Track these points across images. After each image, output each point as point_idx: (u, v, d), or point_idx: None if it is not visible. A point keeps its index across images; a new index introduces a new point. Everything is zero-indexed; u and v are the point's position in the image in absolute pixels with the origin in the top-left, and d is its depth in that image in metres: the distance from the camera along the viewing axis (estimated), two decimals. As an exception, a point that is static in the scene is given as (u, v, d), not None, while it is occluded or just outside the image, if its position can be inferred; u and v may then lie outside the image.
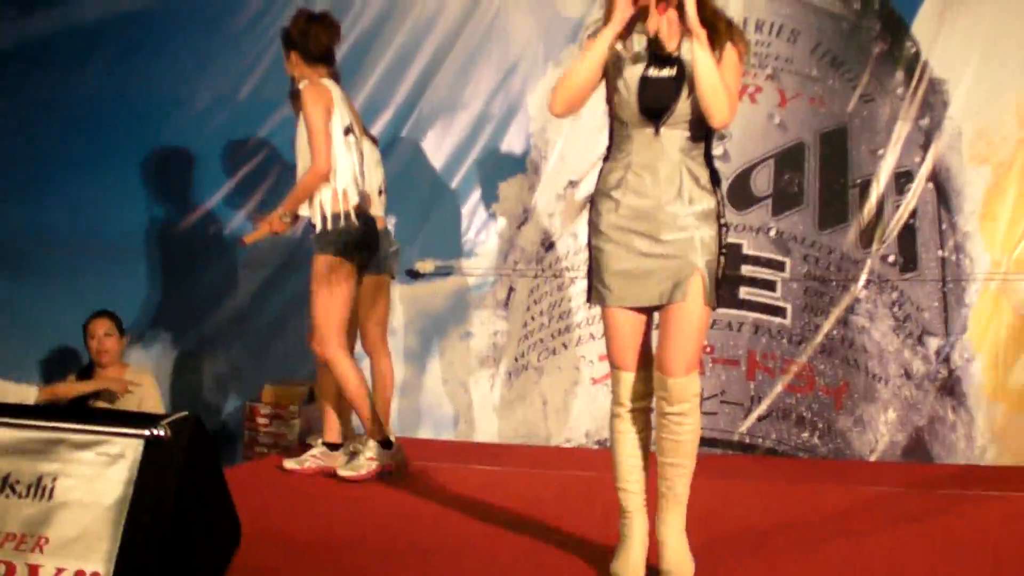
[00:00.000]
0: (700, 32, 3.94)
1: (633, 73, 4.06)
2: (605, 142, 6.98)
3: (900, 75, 7.07)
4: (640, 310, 4.14)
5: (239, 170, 7.77)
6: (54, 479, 3.74)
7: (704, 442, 6.94)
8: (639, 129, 4.07)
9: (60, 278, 7.76)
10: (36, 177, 7.94)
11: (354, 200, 5.88)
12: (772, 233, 7.13)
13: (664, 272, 4.07)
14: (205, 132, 7.80)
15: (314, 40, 5.93)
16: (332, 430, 6.23)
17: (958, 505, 5.66)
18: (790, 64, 7.18)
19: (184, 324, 7.77)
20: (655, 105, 4.04)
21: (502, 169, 7.51)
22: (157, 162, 7.85)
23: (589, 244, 4.20)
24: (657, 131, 4.05)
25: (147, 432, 3.75)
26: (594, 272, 4.18)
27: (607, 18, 4.10)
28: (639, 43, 4.09)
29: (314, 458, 6.15)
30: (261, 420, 7.02)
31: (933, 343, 6.92)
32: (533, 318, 7.36)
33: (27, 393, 6.47)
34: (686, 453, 4.14)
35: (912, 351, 6.96)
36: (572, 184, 7.36)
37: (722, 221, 4.13)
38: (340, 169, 5.87)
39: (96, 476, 3.72)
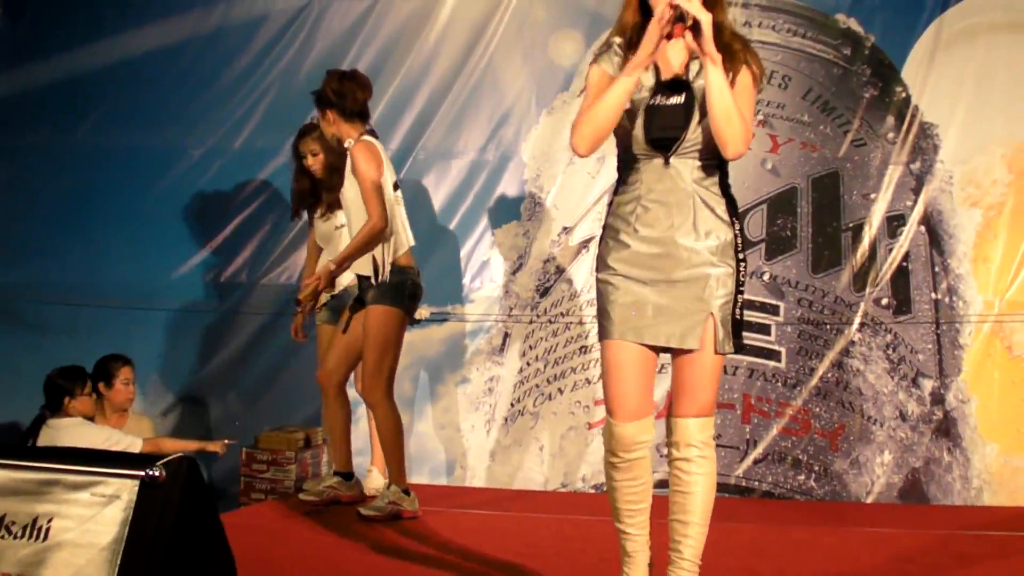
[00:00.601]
0: (717, 57, 3.75)
1: (639, 102, 3.88)
2: (599, 188, 7.21)
3: (891, 120, 7.11)
4: (646, 349, 3.91)
5: (234, 218, 7.77)
6: (49, 520, 3.72)
7: (700, 485, 6.97)
8: (648, 160, 3.89)
9: (61, 331, 7.76)
10: (33, 233, 7.95)
11: (405, 252, 6.10)
12: (766, 277, 7.14)
13: (674, 313, 3.86)
14: (200, 182, 7.82)
15: (351, 97, 6.08)
16: (343, 460, 6.41)
17: (955, 546, 5.64)
18: (782, 109, 7.21)
19: (180, 371, 7.75)
20: (664, 135, 3.85)
21: (497, 216, 7.51)
22: (152, 213, 7.84)
23: (597, 280, 4.00)
24: (667, 161, 3.87)
25: (142, 473, 3.74)
26: (600, 307, 3.97)
27: (625, 39, 3.93)
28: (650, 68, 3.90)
29: (331, 488, 6.34)
30: (258, 466, 6.99)
31: (928, 385, 6.92)
32: (529, 363, 7.34)
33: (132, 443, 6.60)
34: (694, 509, 3.89)
35: (907, 393, 6.95)
36: (566, 230, 7.37)
37: (740, 256, 3.93)
38: (395, 224, 6.05)
39: (91, 517, 3.70)
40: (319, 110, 6.18)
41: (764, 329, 7.12)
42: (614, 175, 7.10)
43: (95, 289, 7.77)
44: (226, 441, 7.00)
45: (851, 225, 7.10)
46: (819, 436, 7.02)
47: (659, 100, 3.87)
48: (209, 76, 7.82)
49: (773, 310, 7.12)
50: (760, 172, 7.20)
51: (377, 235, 5.93)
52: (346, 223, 6.23)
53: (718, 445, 7.05)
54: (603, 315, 3.95)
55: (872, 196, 7.09)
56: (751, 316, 7.10)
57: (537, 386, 7.29)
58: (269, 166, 7.68)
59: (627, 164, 3.97)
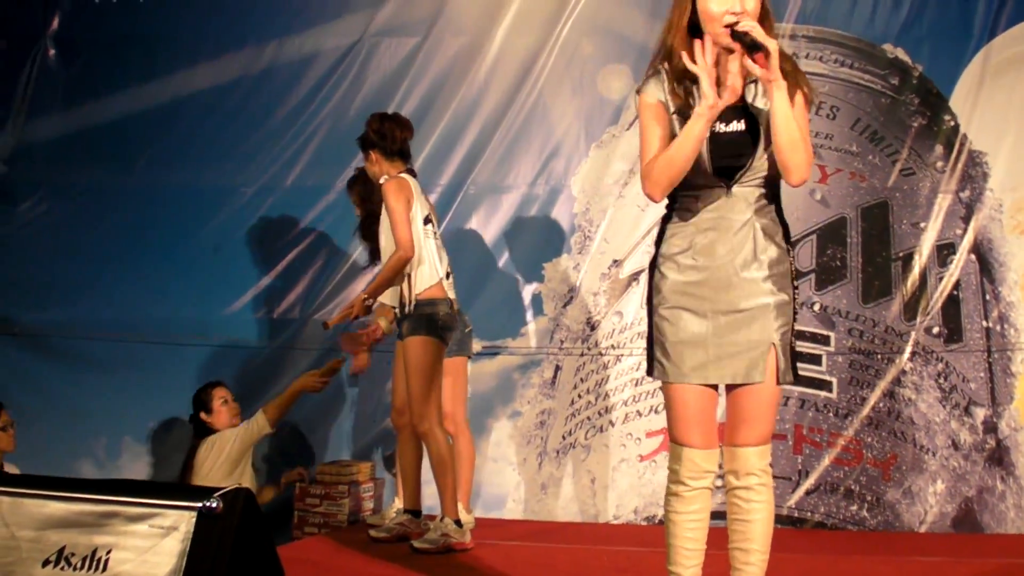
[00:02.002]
0: (782, 83, 3.68)
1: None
2: (649, 221, 7.24)
3: (939, 149, 7.10)
4: (708, 387, 3.88)
5: (286, 255, 7.85)
6: (108, 552, 3.78)
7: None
8: (708, 189, 3.82)
9: (117, 370, 7.86)
10: (87, 270, 8.05)
11: (434, 283, 6.18)
12: (816, 308, 7.14)
13: (737, 347, 3.81)
14: (252, 220, 7.91)
15: (391, 137, 6.32)
16: (411, 497, 6.49)
17: (1010, 574, 5.61)
18: (830, 140, 7.22)
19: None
20: (730, 164, 3.79)
21: (547, 249, 7.54)
22: (205, 250, 7.95)
23: (651, 312, 3.93)
24: (729, 189, 3.82)
25: (199, 504, 3.78)
26: (656, 343, 3.90)
27: (672, 66, 3.83)
28: (692, 95, 3.81)
29: (400, 525, 6.41)
30: (311, 500, 7.05)
31: (980, 413, 6.89)
32: (580, 396, 7.36)
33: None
34: (756, 537, 3.86)
35: (959, 422, 6.92)
36: (616, 263, 7.40)
37: (795, 284, 3.91)
38: (422, 255, 6.17)
39: (149, 548, 3.75)
40: (364, 153, 6.41)
41: (815, 359, 7.11)
42: (662, 207, 7.17)
43: (149, 326, 7.86)
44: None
45: (901, 254, 7.10)
46: (871, 466, 6.99)
47: (720, 127, 3.81)
48: (261, 114, 7.92)
49: (824, 340, 7.11)
50: (809, 202, 7.20)
51: (403, 264, 6.11)
52: (381, 258, 6.40)
53: (770, 476, 7.04)
54: (662, 352, 3.89)
55: (922, 225, 7.08)
56: (802, 346, 7.11)
57: (588, 419, 7.31)
58: (320, 203, 7.76)
59: (683, 192, 3.88)
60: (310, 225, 7.82)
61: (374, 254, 6.80)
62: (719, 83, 3.77)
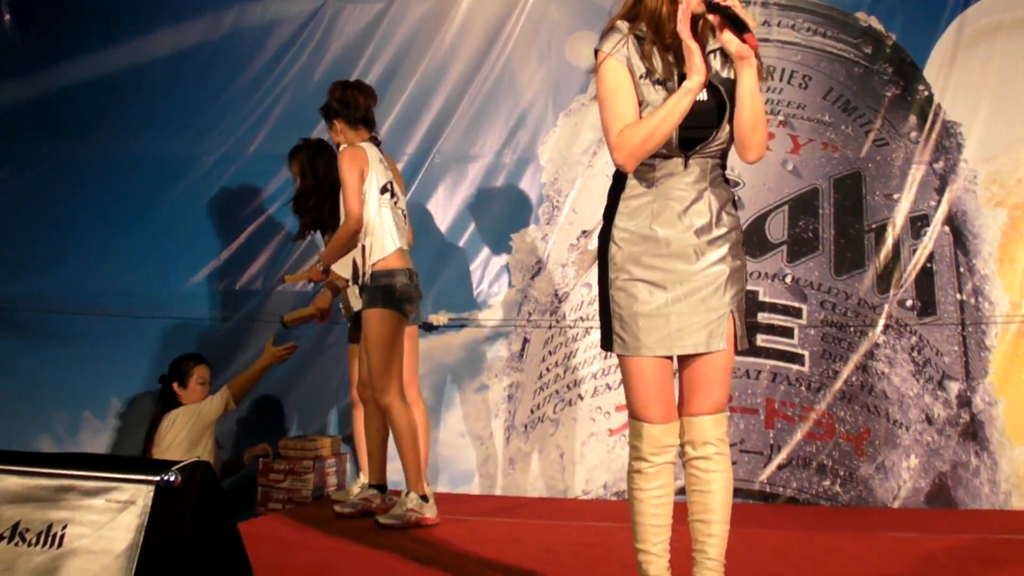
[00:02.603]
0: (754, 60, 3.72)
1: (661, 98, 3.78)
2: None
3: (913, 119, 7.08)
4: (667, 356, 3.86)
5: (249, 225, 7.79)
6: (64, 527, 3.72)
7: (724, 491, 6.95)
8: (666, 159, 3.81)
9: (76, 343, 7.77)
10: (44, 242, 7.96)
11: (391, 253, 6.12)
12: (788, 280, 7.11)
13: (696, 315, 3.81)
14: (214, 189, 7.84)
15: (354, 105, 6.27)
16: (376, 472, 6.44)
17: (983, 550, 5.60)
18: (803, 110, 7.18)
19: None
20: (694, 135, 3.79)
21: (515, 220, 7.50)
22: (166, 220, 7.87)
23: (605, 285, 3.89)
24: (688, 160, 3.82)
25: (157, 478, 3.73)
26: (614, 315, 3.86)
27: (652, 28, 3.77)
28: (662, 62, 3.80)
29: (365, 500, 6.36)
30: (275, 476, 6.99)
31: (954, 387, 6.88)
32: (548, 369, 7.32)
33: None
34: (717, 507, 3.84)
35: (933, 396, 6.91)
36: (585, 234, 7.35)
37: (744, 249, 3.96)
38: (376, 226, 6.12)
39: (106, 523, 3.70)
40: (327, 122, 6.35)
41: (787, 332, 7.09)
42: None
43: (108, 298, 7.79)
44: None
45: (874, 226, 7.07)
46: (844, 440, 6.98)
47: (699, 97, 3.78)
48: (222, 81, 7.84)
49: (796, 313, 7.09)
50: (781, 173, 7.17)
51: (351, 234, 6.10)
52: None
53: (742, 451, 7.03)
54: (620, 325, 3.86)
55: (895, 196, 7.06)
56: (774, 319, 7.08)
57: (557, 392, 7.27)
58: (283, 171, 7.64)
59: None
60: (273, 194, 7.76)
61: (306, 227, 6.89)
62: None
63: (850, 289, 7.06)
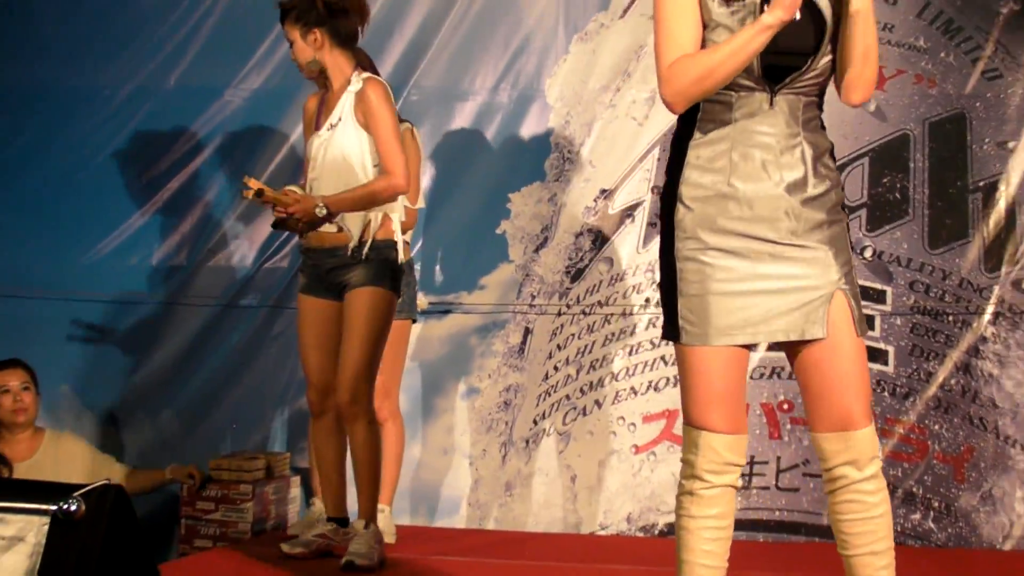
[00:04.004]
0: None
1: (742, 14, 3.77)
2: (648, 138, 7.18)
3: (1036, 43, 7.09)
4: (744, 347, 3.87)
5: (169, 181, 7.78)
6: (-72, 570, 3.68)
7: (784, 527, 6.98)
8: (748, 95, 3.80)
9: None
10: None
11: (394, 221, 6.16)
12: (868, 254, 7.12)
13: (790, 295, 3.81)
14: (123, 133, 7.85)
15: (351, 14, 6.15)
16: (335, 502, 6.31)
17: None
18: (890, 32, 7.17)
19: (100, 380, 7.74)
20: (782, 63, 3.77)
21: (514, 176, 7.51)
22: (59, 173, 7.87)
23: (670, 257, 3.88)
24: (774, 96, 3.80)
25: (55, 507, 3.70)
26: (681, 295, 3.86)
27: None
28: None
29: (322, 537, 6.23)
30: (204, 504, 6.96)
31: (1087, 395, 6.90)
32: (556, 368, 7.33)
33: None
34: (887, 533, 3.90)
35: (1057, 405, 6.92)
36: (605, 194, 7.36)
37: (847, 211, 3.95)
38: None
39: (-15, 566, 3.66)
40: (300, 28, 6.14)
41: (866, 322, 7.05)
42: (667, 120, 7.11)
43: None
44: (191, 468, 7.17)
45: (982, 184, 7.08)
46: (939, 462, 6.98)
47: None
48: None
49: (878, 297, 7.10)
50: (861, 115, 7.15)
51: (391, 194, 6.04)
52: (316, 177, 6.16)
53: (805, 474, 7.04)
54: (689, 308, 3.85)
55: (1011, 145, 7.05)
56: (849, 305, 7.07)
57: (568, 397, 7.27)
58: (213, 110, 7.68)
59: (712, 99, 3.83)
60: (202, 139, 7.73)
61: None
62: None
63: (949, 266, 7.06)
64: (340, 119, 6.09)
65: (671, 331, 3.89)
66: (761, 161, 3.80)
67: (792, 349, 3.87)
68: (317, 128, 6.17)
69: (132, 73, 7.80)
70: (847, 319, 3.81)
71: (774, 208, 3.80)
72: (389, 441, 6.63)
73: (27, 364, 7.13)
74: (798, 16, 3.71)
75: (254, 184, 5.94)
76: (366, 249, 6.03)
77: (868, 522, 3.86)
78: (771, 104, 3.80)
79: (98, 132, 7.84)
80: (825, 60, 3.82)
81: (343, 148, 6.08)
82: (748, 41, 3.69)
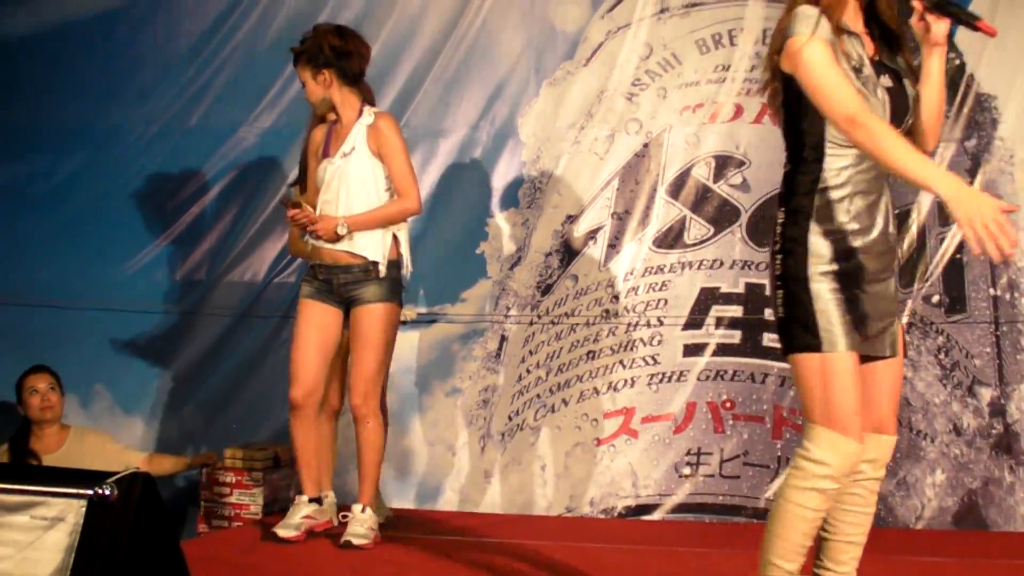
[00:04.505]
0: (944, 46, 4.00)
1: (867, 80, 3.90)
2: (608, 171, 7.18)
3: (942, 91, 7.06)
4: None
5: (191, 207, 7.76)
6: (-19, 547, 3.67)
7: (726, 509, 6.98)
8: (851, 148, 3.89)
9: None
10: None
11: (406, 246, 6.24)
12: (799, 272, 7.08)
13: (883, 319, 3.98)
14: (151, 166, 7.81)
15: (355, 57, 6.15)
16: (315, 484, 6.29)
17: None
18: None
19: (129, 381, 7.71)
20: (896, 122, 3.90)
21: (491, 203, 7.49)
22: (95, 201, 7.83)
23: (804, 277, 3.90)
24: None
25: (91, 492, 3.70)
26: (818, 312, 3.87)
27: (835, 20, 3.88)
28: (853, 46, 3.93)
29: (308, 519, 6.20)
30: (220, 489, 6.93)
31: (986, 394, 6.88)
32: (528, 371, 7.31)
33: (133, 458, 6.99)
34: (867, 530, 4.10)
35: (962, 404, 6.91)
36: (571, 219, 7.34)
37: None
38: None
39: (31, 543, 3.67)
40: (310, 69, 6.14)
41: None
42: (625, 155, 7.11)
43: (28, 289, 7.77)
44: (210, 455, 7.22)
45: (897, 211, 7.01)
46: (861, 453, 6.96)
47: (884, 82, 3.95)
48: (161, 42, 7.82)
49: (808, 309, 7.07)
50: (793, 151, 7.14)
51: (406, 217, 6.19)
52: (329, 200, 6.10)
53: (745, 463, 7.05)
54: (828, 321, 3.87)
55: (921, 178, 7.04)
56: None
57: (539, 396, 7.26)
58: (228, 146, 7.65)
59: (834, 152, 3.93)
60: (219, 171, 7.71)
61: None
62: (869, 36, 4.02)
63: (869, 283, 7.04)
64: (353, 148, 6.09)
65: (798, 344, 3.91)
66: (867, 206, 3.92)
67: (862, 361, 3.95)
68: (327, 155, 6.14)
69: (158, 115, 7.77)
70: (902, 343, 4.07)
71: (877, 246, 3.94)
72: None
73: (52, 369, 7.15)
74: (889, 83, 3.94)
75: (299, 198, 6.04)
76: (383, 268, 6.05)
77: (861, 515, 4.04)
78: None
79: (129, 165, 7.81)
80: (908, 125, 3.97)
81: (357, 174, 6.08)
82: (924, 169, 3.67)
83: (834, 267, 3.89)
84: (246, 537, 6.35)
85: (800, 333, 3.91)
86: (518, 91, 7.50)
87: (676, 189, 7.23)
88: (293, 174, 6.88)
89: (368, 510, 6.05)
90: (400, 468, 7.30)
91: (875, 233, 3.93)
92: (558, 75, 7.45)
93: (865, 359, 3.94)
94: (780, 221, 4.00)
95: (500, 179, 7.49)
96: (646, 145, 7.28)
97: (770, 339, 7.06)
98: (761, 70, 4.23)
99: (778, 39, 3.95)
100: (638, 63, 7.35)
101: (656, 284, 7.19)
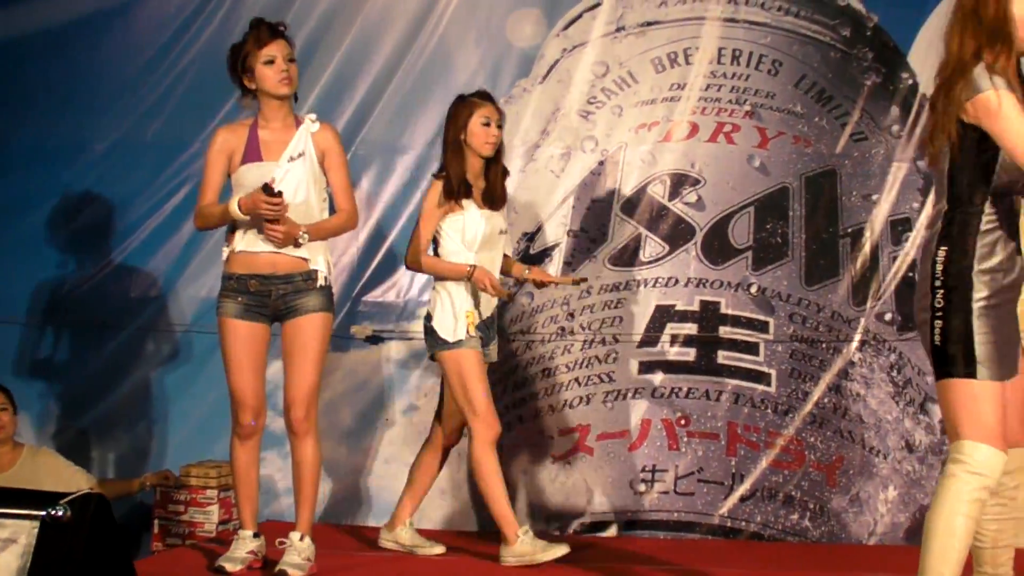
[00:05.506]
0: None
1: None
2: (564, 189, 7.20)
3: (896, 111, 7.14)
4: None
5: (146, 222, 7.70)
6: (-68, 569, 3.65)
7: (681, 526, 6.98)
8: (1005, 196, 4.36)
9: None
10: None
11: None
12: (753, 290, 7.13)
13: (1018, 345, 4.42)
14: (105, 181, 7.76)
15: None
16: (254, 516, 6.09)
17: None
18: (771, 99, 7.22)
19: (82, 398, 7.65)
20: None
21: (448, 219, 7.44)
22: (49, 216, 7.80)
23: (967, 309, 4.29)
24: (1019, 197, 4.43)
25: (43, 513, 3.67)
26: (979, 343, 4.27)
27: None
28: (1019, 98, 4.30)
29: (251, 554, 5.99)
30: (174, 507, 6.90)
31: (938, 411, 6.86)
32: (485, 388, 7.28)
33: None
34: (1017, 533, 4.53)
35: (914, 420, 6.95)
36: (527, 236, 7.35)
37: None
38: None
39: (-18, 565, 3.63)
40: (292, 53, 6.00)
41: (751, 348, 7.10)
42: (581, 173, 7.14)
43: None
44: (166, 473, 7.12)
45: (850, 230, 7.13)
46: (814, 470, 7.00)
47: None
48: (116, 57, 7.77)
49: (761, 327, 7.11)
50: (747, 170, 7.21)
51: (345, 231, 6.17)
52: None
53: (700, 480, 7.05)
54: (989, 352, 4.29)
55: (874, 197, 7.11)
56: (737, 334, 7.09)
57: (495, 414, 7.22)
58: (183, 161, 7.61)
59: (999, 197, 4.36)
60: (175, 187, 7.65)
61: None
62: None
63: (822, 300, 7.10)
64: (302, 153, 5.90)
65: (969, 369, 4.31)
66: (1011, 244, 4.38)
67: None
68: (255, 159, 5.90)
69: (113, 129, 7.73)
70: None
71: (1018, 280, 4.41)
72: None
73: (4, 387, 7.01)
74: None
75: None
76: (324, 278, 5.91)
77: (1012, 522, 4.53)
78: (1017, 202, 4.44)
79: (83, 180, 7.75)
80: None
81: (304, 180, 5.90)
82: None
83: (990, 300, 4.31)
84: (199, 556, 6.29)
85: (970, 359, 4.31)
86: (475, 109, 7.49)
87: (632, 207, 7.25)
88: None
89: (307, 538, 5.87)
90: (356, 486, 7.25)
91: (1015, 271, 4.36)
92: (514, 92, 7.46)
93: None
94: (944, 258, 4.38)
95: (456, 196, 7.45)
96: (602, 163, 7.30)
97: (724, 357, 7.10)
98: (926, 123, 4.65)
99: (953, 91, 4.33)
100: (594, 81, 7.37)
101: (611, 302, 7.20)
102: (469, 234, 6.22)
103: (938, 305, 4.35)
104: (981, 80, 4.27)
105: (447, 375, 6.25)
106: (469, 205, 6.23)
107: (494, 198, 6.33)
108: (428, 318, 6.29)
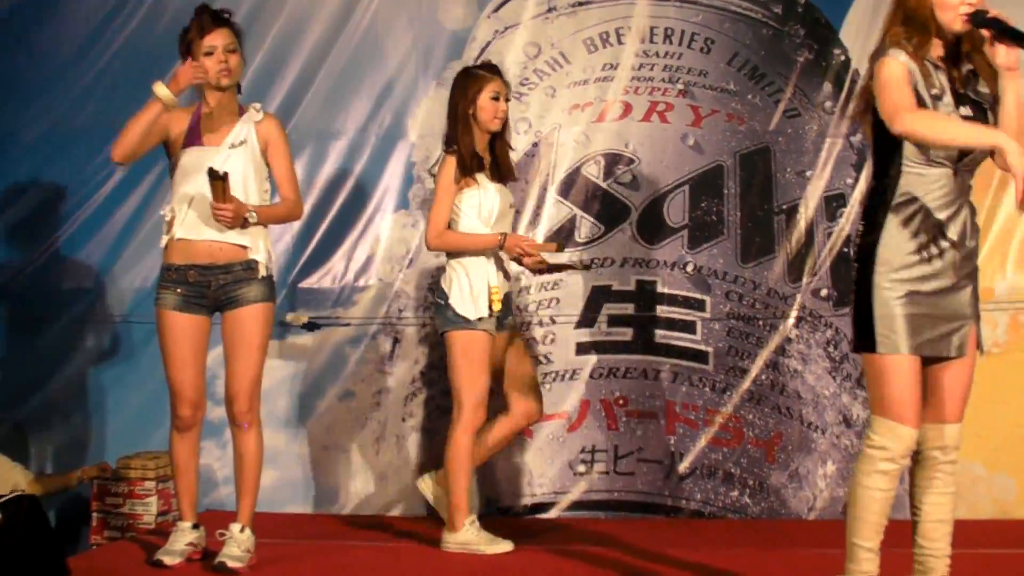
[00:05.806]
0: (1019, 72, 4.29)
1: (943, 108, 4.32)
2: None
3: (828, 87, 7.16)
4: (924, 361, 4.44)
5: (78, 211, 7.64)
6: None
7: (621, 505, 7.00)
8: (939, 167, 4.35)
9: None
10: None
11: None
12: (689, 268, 7.14)
13: (952, 322, 4.42)
14: (35, 169, 7.70)
15: None
16: (194, 508, 6.01)
17: (908, 564, 5.64)
18: (704, 78, 7.21)
19: (17, 392, 7.59)
20: (968, 149, 4.31)
21: (382, 205, 7.46)
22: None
23: (869, 284, 4.38)
24: (957, 172, 4.37)
25: (-27, 516, 3.64)
26: (879, 317, 4.36)
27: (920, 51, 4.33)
28: (937, 77, 4.35)
29: (191, 546, 5.91)
30: (112, 499, 6.86)
31: (874, 386, 6.94)
32: (422, 373, 7.29)
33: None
34: (954, 508, 4.60)
35: (851, 395, 6.99)
36: (462, 219, 7.30)
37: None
38: None
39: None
40: (236, 39, 5.94)
41: (689, 327, 7.12)
42: (515, 155, 7.07)
43: None
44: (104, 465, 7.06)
45: (784, 207, 7.14)
46: (753, 446, 7.04)
47: (963, 112, 4.36)
48: (45, 45, 7.71)
49: (698, 305, 7.13)
50: (681, 149, 7.20)
51: (290, 220, 6.26)
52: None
53: (640, 459, 7.08)
54: (888, 327, 4.36)
55: (808, 174, 7.13)
56: (674, 313, 7.11)
57: (432, 398, 7.23)
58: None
59: (909, 171, 4.38)
60: (108, 173, 7.57)
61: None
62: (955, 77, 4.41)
63: (758, 278, 7.12)
64: (244, 141, 5.85)
65: (868, 343, 4.41)
66: (939, 220, 4.37)
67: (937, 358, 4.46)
68: (196, 143, 5.83)
69: (42, 116, 7.67)
70: (974, 342, 4.51)
71: (947, 258, 4.39)
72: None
73: None
74: (970, 112, 4.36)
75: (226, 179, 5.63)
76: (266, 267, 5.84)
77: (945, 496, 4.57)
78: (956, 176, 4.39)
79: (13, 170, 7.69)
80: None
81: (245, 167, 5.84)
82: (980, 136, 4.23)
83: (904, 274, 4.36)
84: (138, 549, 6.23)
85: (867, 334, 4.41)
86: (407, 91, 7.48)
87: (566, 188, 7.25)
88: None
89: (247, 530, 5.81)
90: (293, 473, 7.24)
91: (942, 248, 4.36)
92: (447, 74, 7.36)
93: (929, 362, 4.44)
94: (859, 232, 4.49)
95: (389, 180, 7.45)
96: (536, 144, 7.29)
97: (662, 335, 7.11)
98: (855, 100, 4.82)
99: (871, 66, 4.42)
100: (526, 62, 7.35)
101: (548, 283, 7.20)
102: (485, 209, 6.21)
103: (854, 279, 4.47)
104: (885, 51, 4.37)
105: (452, 354, 6.18)
106: (483, 180, 6.22)
107: (503, 172, 6.33)
108: (442, 296, 6.20)
